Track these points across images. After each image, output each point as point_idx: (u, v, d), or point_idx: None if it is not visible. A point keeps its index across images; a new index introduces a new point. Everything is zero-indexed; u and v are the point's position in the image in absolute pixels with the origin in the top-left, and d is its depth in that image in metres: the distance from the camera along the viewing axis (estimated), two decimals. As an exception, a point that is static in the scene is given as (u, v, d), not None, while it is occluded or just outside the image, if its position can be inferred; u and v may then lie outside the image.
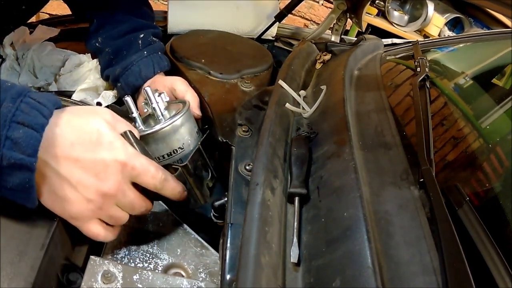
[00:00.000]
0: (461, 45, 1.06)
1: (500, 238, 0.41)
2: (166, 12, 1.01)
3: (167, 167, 0.51)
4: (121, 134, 0.46)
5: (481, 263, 0.39)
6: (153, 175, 0.46)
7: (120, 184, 0.44)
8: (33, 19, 0.83)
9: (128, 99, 0.56)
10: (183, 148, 0.58)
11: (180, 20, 0.98)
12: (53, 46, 0.87)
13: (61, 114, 0.43)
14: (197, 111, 0.67)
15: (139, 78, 0.75)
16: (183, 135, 0.58)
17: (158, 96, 0.59)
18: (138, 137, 0.49)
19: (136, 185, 0.46)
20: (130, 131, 0.47)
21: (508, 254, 0.39)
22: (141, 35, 0.78)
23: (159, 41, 0.82)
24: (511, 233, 0.45)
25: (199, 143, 0.60)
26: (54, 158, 0.41)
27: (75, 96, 0.74)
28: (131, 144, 0.46)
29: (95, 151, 0.42)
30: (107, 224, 0.46)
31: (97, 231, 0.45)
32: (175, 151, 0.58)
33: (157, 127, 0.55)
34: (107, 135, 0.43)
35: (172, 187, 0.49)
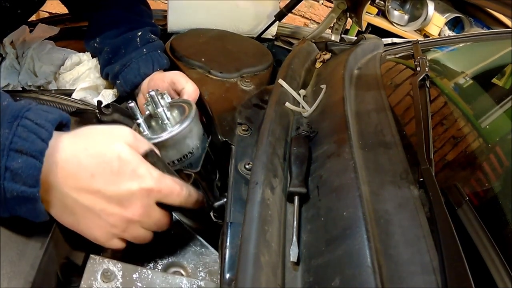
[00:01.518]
0: (461, 45, 1.06)
1: (500, 237, 0.41)
2: (166, 11, 1.01)
3: (178, 172, 0.50)
4: (143, 156, 0.44)
5: (480, 263, 0.39)
6: (178, 193, 0.46)
7: (145, 209, 0.44)
8: (33, 17, 0.83)
9: (133, 104, 0.54)
10: (192, 153, 0.57)
11: (180, 19, 0.98)
12: (53, 45, 0.87)
13: (78, 140, 0.41)
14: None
15: (138, 75, 0.75)
16: (192, 139, 0.57)
17: (161, 98, 0.57)
18: (159, 154, 0.48)
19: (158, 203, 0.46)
20: (152, 151, 0.46)
21: (507, 254, 0.39)
22: (139, 33, 0.78)
23: (158, 39, 0.81)
24: (510, 233, 0.45)
25: (207, 145, 0.59)
26: (75, 191, 0.41)
27: (75, 95, 0.74)
28: (154, 164, 0.45)
29: (118, 183, 0.42)
30: None
31: (119, 246, 0.45)
32: (185, 156, 0.57)
33: (166, 135, 0.53)
34: (128, 162, 0.42)
35: (195, 200, 0.49)
